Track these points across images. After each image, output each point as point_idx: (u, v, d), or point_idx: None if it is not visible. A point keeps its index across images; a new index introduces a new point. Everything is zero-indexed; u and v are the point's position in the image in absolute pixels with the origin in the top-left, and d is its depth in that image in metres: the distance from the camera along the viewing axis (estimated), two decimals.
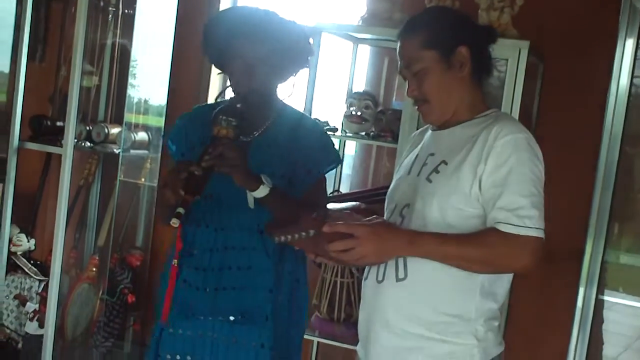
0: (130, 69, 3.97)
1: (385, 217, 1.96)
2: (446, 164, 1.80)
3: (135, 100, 4.04)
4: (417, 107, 1.90)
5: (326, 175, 2.23)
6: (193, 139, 2.16)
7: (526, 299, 3.32)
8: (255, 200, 2.02)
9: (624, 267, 3.34)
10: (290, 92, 2.24)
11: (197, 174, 1.87)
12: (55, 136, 3.70)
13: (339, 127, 3.34)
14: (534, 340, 3.37)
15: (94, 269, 3.83)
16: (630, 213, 3.41)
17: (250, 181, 1.98)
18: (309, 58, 2.24)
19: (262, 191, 1.98)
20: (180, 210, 1.84)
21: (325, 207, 2.12)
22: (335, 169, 2.26)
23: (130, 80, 3.99)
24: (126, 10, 3.90)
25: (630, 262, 3.34)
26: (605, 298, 3.15)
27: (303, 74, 2.28)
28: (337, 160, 2.21)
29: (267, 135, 2.17)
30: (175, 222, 1.83)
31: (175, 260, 2.12)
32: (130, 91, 3.96)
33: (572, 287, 2.90)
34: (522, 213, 1.69)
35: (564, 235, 3.10)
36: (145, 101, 4.12)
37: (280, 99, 2.23)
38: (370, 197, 3.13)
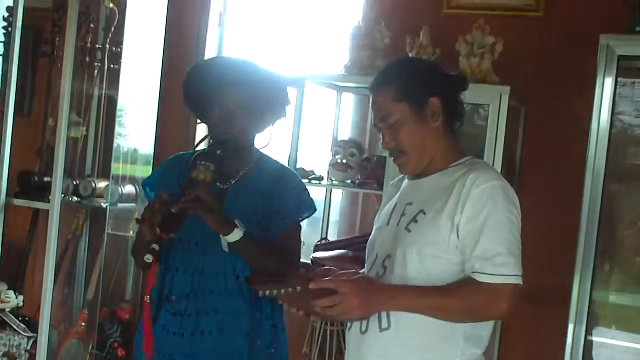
0: (118, 118, 4.00)
1: (366, 268, 1.97)
2: (424, 213, 1.81)
3: (125, 149, 4.06)
4: (392, 158, 1.92)
5: (301, 223, 2.24)
6: (171, 186, 2.12)
7: (516, 340, 3.32)
8: (229, 244, 2.03)
9: (613, 306, 3.33)
10: (267, 142, 2.26)
11: (174, 211, 1.91)
12: (43, 191, 3.71)
13: (325, 176, 3.36)
14: None
15: (83, 324, 3.80)
16: (617, 250, 3.41)
17: (224, 225, 1.99)
18: (287, 107, 2.26)
19: (235, 235, 1.99)
20: (155, 246, 1.89)
21: (308, 262, 2.13)
22: (309, 217, 2.26)
23: (119, 129, 4.02)
24: (112, 65, 3.93)
25: (619, 301, 3.33)
26: (594, 338, 3.14)
27: (282, 124, 2.31)
28: (311, 208, 2.22)
29: (244, 183, 2.19)
30: (148, 258, 1.88)
31: (147, 297, 2.12)
32: (118, 140, 3.98)
33: (561, 327, 2.89)
34: (498, 261, 1.71)
35: (552, 275, 3.11)
36: (135, 150, 4.14)
37: (258, 148, 2.26)
38: (358, 245, 3.14)
